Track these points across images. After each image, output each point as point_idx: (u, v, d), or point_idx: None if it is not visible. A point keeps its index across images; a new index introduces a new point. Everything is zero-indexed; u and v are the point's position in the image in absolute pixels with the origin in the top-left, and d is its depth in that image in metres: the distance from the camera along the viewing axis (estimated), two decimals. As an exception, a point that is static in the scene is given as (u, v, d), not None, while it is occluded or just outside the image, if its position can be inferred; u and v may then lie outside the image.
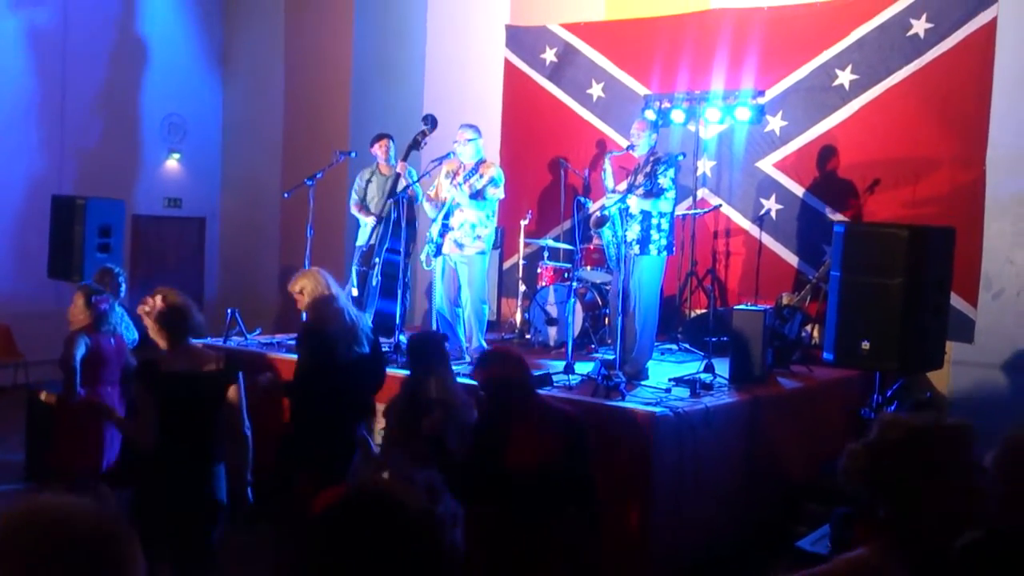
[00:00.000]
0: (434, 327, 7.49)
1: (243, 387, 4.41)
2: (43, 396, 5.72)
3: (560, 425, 4.12)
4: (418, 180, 7.74)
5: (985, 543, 2.43)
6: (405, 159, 7.74)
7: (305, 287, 5.58)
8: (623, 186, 6.88)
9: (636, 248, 6.61)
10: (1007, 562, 2.44)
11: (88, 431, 5.49)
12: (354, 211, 8.24)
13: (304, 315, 5.68)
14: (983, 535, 2.43)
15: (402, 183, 7.68)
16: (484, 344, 7.37)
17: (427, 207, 7.42)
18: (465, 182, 7.15)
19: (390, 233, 7.50)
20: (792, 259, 8.66)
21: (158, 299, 4.42)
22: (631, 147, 6.97)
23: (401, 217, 7.37)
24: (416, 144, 7.59)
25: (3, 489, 7.30)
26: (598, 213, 6.83)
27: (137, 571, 1.40)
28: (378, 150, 8.24)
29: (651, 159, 6.79)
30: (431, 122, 7.64)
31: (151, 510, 4.19)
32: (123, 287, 6.67)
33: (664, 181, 6.63)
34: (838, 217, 8.22)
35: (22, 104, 10.84)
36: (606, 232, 6.80)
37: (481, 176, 7.18)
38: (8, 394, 9.85)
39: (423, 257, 7.37)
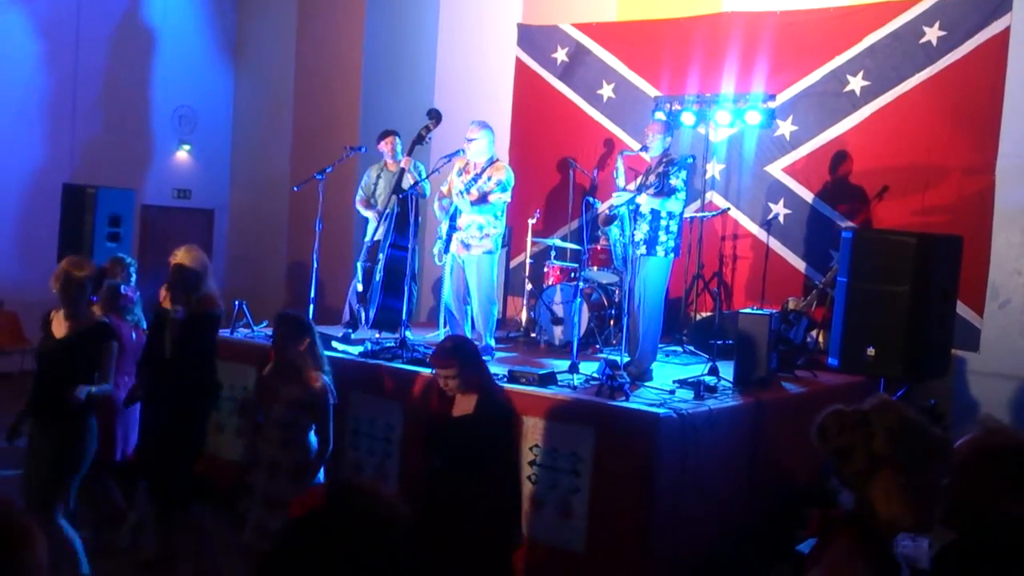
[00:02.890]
0: (442, 322, 7.49)
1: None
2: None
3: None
4: (427, 177, 7.73)
5: (959, 547, 2.47)
6: (410, 153, 7.76)
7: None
8: (633, 186, 6.89)
9: (643, 248, 6.61)
10: (981, 566, 2.47)
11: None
12: (359, 207, 8.24)
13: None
14: (957, 539, 2.47)
15: (408, 178, 7.68)
16: (492, 344, 7.37)
17: (436, 209, 7.39)
18: (470, 187, 7.12)
19: (394, 229, 7.48)
20: (799, 264, 8.66)
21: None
22: (644, 148, 6.99)
23: (409, 213, 7.36)
24: (420, 139, 7.60)
25: (3, 475, 7.34)
26: (607, 211, 6.83)
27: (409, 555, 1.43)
28: (384, 147, 8.22)
29: (663, 160, 6.80)
30: (435, 116, 7.64)
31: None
32: (134, 277, 6.71)
33: (676, 182, 6.62)
34: (846, 223, 8.23)
35: (33, 93, 10.88)
36: (614, 231, 6.81)
37: (490, 178, 7.14)
38: (15, 380, 9.90)
39: (435, 251, 7.36)
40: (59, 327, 5.01)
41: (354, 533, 1.58)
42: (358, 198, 8.22)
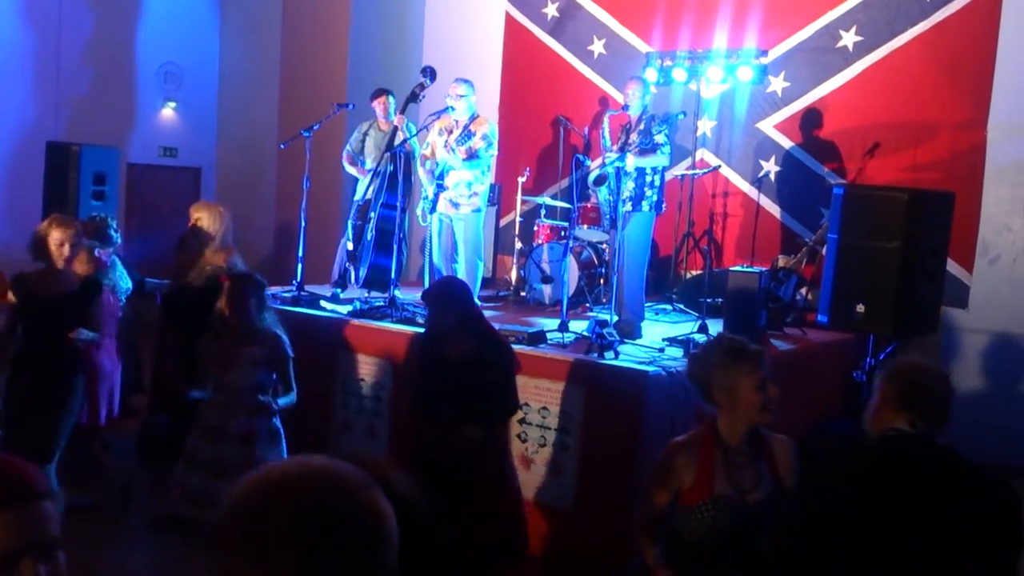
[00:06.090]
0: (427, 282, 7.47)
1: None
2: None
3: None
4: (415, 134, 7.67)
5: (894, 439, 2.79)
6: (403, 112, 7.69)
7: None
8: (618, 145, 6.89)
9: (628, 205, 6.63)
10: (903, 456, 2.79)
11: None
12: (345, 163, 8.16)
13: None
14: (896, 433, 2.81)
15: (400, 137, 7.61)
16: (478, 300, 7.36)
17: (422, 173, 7.34)
18: (460, 146, 7.08)
19: (386, 187, 7.43)
20: (789, 221, 8.63)
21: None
22: (626, 107, 7.00)
23: (398, 171, 7.31)
24: (414, 97, 7.51)
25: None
26: (597, 171, 6.83)
27: (394, 544, 1.19)
28: (377, 105, 8.15)
29: (644, 117, 6.81)
30: (430, 74, 7.54)
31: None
32: (116, 236, 6.63)
33: (660, 138, 6.67)
34: (837, 180, 8.19)
35: (16, 51, 10.70)
36: (603, 191, 6.81)
37: (474, 134, 7.11)
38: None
39: (419, 212, 7.35)
40: (45, 284, 5.18)
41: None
42: (345, 152, 8.15)
